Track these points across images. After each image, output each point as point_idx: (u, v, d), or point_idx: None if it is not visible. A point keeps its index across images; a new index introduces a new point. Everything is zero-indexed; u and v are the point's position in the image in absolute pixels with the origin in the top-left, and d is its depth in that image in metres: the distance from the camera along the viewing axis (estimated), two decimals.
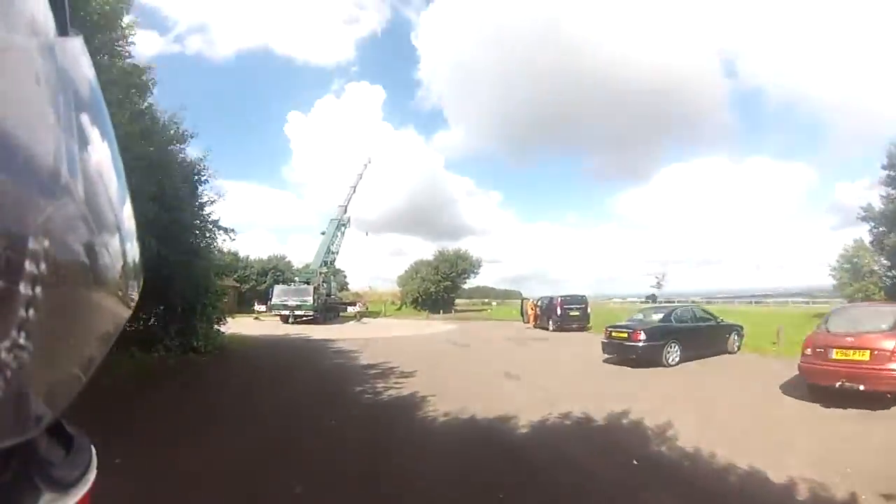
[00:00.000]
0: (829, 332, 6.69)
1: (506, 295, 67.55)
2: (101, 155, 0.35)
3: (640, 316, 11.53)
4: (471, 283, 47.14)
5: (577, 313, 20.00)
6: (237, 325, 15.85)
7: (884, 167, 21.25)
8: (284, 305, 27.18)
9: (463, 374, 9.51)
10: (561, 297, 20.73)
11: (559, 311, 20.00)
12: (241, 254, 44.62)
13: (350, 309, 33.61)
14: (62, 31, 0.32)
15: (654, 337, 9.76)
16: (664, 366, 9.58)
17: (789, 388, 7.11)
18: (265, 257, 46.91)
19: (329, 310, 30.67)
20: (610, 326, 10.79)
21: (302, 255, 49.57)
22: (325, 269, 32.67)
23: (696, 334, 10.66)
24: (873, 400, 5.85)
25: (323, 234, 35.12)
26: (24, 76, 0.27)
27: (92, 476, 0.39)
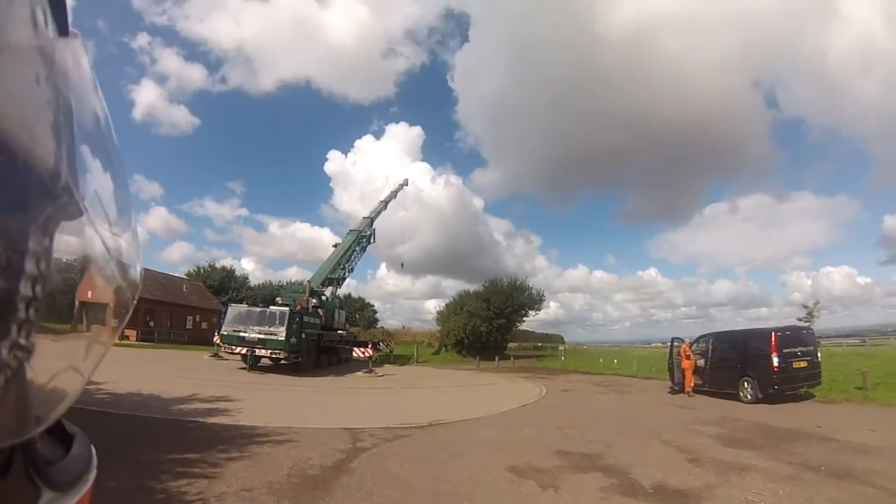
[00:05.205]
0: None
1: (547, 339, 60.05)
2: (102, 155, 0.35)
3: None
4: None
5: (805, 363, 10.69)
6: (145, 368, 10.94)
7: None
8: (240, 339, 16.59)
9: None
10: (775, 330, 11.08)
11: (776, 361, 10.37)
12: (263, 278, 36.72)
13: (356, 352, 21.78)
14: (62, 31, 0.32)
15: None
16: None
17: None
18: (280, 283, 39.70)
19: (324, 351, 20.23)
20: None
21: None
22: (326, 290, 22.77)
23: None
24: None
25: (335, 246, 25.32)
26: (24, 76, 0.27)
27: (92, 476, 0.39)
